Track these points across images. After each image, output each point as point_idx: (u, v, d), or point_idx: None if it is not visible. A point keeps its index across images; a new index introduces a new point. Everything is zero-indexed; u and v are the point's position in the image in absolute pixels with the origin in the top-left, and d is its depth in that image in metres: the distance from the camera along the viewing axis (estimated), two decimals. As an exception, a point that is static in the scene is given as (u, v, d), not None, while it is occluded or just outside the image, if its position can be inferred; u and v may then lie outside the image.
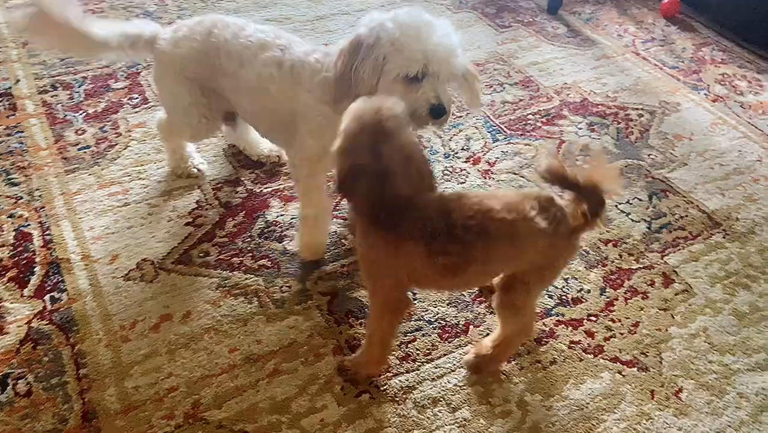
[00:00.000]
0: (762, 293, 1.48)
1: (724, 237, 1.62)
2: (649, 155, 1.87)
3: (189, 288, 1.38)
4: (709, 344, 1.36)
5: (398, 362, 1.28)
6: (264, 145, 1.70)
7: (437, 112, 1.19)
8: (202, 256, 1.46)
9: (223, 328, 1.31)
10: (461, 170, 1.77)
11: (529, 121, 1.98)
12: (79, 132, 1.77)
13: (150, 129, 1.79)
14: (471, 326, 1.36)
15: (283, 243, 1.50)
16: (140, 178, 1.64)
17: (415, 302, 1.39)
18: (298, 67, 1.28)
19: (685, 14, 2.62)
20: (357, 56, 1.17)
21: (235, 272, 1.42)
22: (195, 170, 1.64)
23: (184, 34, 1.37)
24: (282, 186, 1.66)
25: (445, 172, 1.76)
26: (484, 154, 1.83)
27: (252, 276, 1.42)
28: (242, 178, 1.68)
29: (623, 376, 1.29)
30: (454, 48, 1.19)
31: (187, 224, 1.53)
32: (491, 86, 2.12)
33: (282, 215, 1.58)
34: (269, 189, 1.65)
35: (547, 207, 1.05)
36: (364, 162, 0.96)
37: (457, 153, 1.83)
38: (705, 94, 2.15)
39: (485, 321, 1.37)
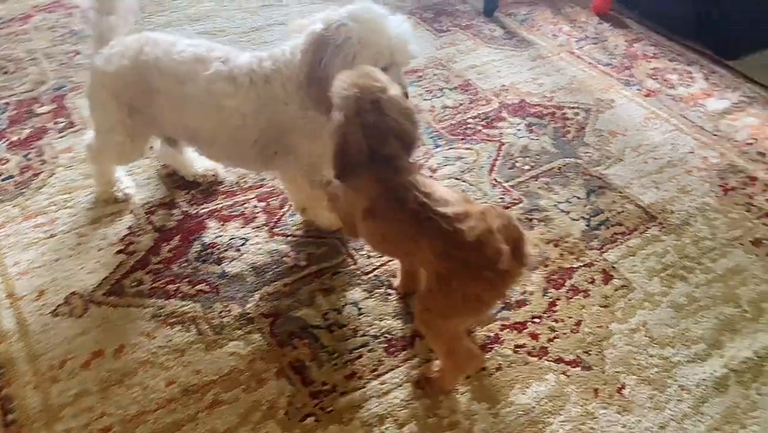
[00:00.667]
0: (698, 284, 1.51)
1: (660, 230, 1.65)
2: (585, 153, 1.90)
3: (121, 321, 1.32)
4: (649, 337, 1.38)
5: (344, 380, 1.26)
6: (199, 164, 1.65)
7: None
8: (135, 285, 1.40)
9: (159, 360, 1.26)
10: (402, 178, 1.75)
11: (469, 125, 1.98)
12: (2, 162, 1.69)
13: (78, 154, 1.72)
14: (417, 339, 1.34)
15: (222, 265, 1.46)
16: (67, 207, 1.57)
17: (360, 317, 1.38)
18: (259, 80, 1.27)
19: (616, 11, 2.69)
20: (323, 55, 1.20)
21: (171, 300, 1.38)
22: (121, 195, 1.58)
23: (117, 50, 1.34)
24: (219, 205, 1.62)
25: (387, 181, 1.74)
26: (427, 161, 1.83)
27: (189, 303, 1.37)
28: (177, 200, 1.63)
29: (567, 376, 1.30)
30: (411, 36, 1.26)
31: (119, 251, 1.48)
32: (431, 91, 2.13)
33: (220, 236, 1.54)
34: (206, 210, 1.61)
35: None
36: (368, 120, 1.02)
37: (398, 161, 1.82)
38: (638, 90, 2.21)
39: (430, 332, 1.36)
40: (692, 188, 1.80)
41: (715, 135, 2.01)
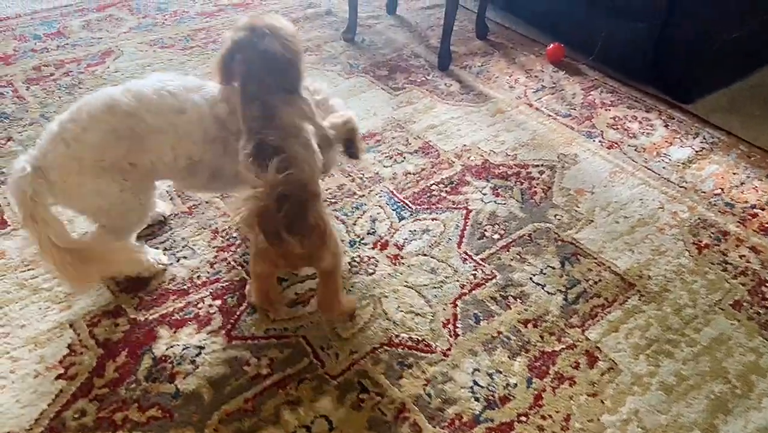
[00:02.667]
0: (685, 359, 1.45)
1: (639, 299, 1.59)
2: (555, 216, 1.84)
3: (62, 466, 1.17)
4: (642, 429, 1.30)
5: None
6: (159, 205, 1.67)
7: None
8: (77, 417, 1.25)
9: None
10: (369, 259, 1.65)
11: (433, 193, 1.90)
12: None
13: (10, 260, 1.56)
14: (395, 453, 1.23)
15: (175, 382, 1.32)
16: (-2, 326, 1.41)
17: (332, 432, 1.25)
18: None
19: (570, 57, 2.68)
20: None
21: (118, 432, 1.22)
22: (156, 265, 1.54)
23: (84, 123, 1.31)
24: (170, 308, 1.48)
25: (353, 263, 1.64)
26: (392, 237, 1.73)
27: (139, 433, 1.22)
28: (123, 306, 1.48)
29: (562, 485, 1.20)
30: None
31: (59, 376, 1.32)
32: (392, 157, 2.04)
33: (172, 346, 1.40)
34: (155, 315, 1.46)
35: None
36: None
37: (363, 239, 1.72)
38: (600, 142, 2.17)
39: None
40: (666, 249, 1.75)
41: (681, 187, 1.98)
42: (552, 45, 2.65)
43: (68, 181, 1.31)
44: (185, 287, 1.54)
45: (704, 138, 2.22)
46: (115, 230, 1.43)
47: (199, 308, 1.49)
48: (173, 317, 1.46)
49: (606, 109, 2.36)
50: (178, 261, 1.60)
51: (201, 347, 1.40)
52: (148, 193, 1.46)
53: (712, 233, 1.81)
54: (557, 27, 2.79)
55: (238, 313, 1.48)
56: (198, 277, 1.57)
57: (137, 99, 1.33)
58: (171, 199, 1.80)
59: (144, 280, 1.53)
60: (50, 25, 2.64)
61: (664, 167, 2.07)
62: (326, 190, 1.87)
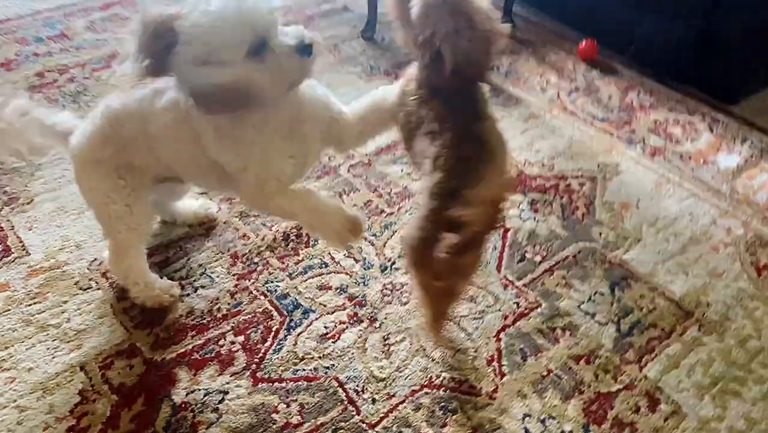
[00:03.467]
0: (754, 399, 1.31)
1: (699, 330, 1.46)
2: (600, 234, 1.70)
3: None
4: (715, 485, 1.17)
5: None
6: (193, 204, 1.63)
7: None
8: (91, 478, 1.13)
9: None
10: (402, 286, 1.52)
11: (466, 209, 1.76)
12: None
13: (15, 292, 1.44)
14: None
15: (198, 434, 1.20)
16: (4, 369, 1.29)
17: None
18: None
19: (603, 55, 2.52)
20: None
21: (137, 495, 1.11)
22: (170, 296, 1.44)
23: (93, 126, 1.26)
24: (189, 346, 1.36)
25: (385, 291, 1.51)
26: (424, 260, 1.60)
27: (160, 497, 1.11)
28: (137, 344, 1.36)
29: None
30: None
31: (70, 429, 1.20)
32: (419, 168, 1.90)
33: (193, 391, 1.27)
34: (173, 354, 1.34)
35: None
36: None
37: (394, 263, 1.58)
38: (642, 149, 2.02)
39: None
40: (723, 270, 1.61)
41: (733, 199, 1.84)
42: (584, 42, 2.49)
43: None
44: (204, 321, 1.41)
45: (752, 143, 2.07)
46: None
47: (221, 346, 1.36)
48: (193, 357, 1.33)
49: (645, 113, 2.21)
50: (195, 291, 1.48)
51: (224, 392, 1.27)
52: None
53: (771, 252, 1.67)
54: (589, 22, 2.62)
55: (263, 350, 1.36)
56: (218, 309, 1.44)
57: None
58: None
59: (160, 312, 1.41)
60: (53, 27, 2.49)
61: (712, 177, 1.92)
62: (352, 206, 1.74)
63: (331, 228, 1.22)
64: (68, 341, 1.35)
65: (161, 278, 1.45)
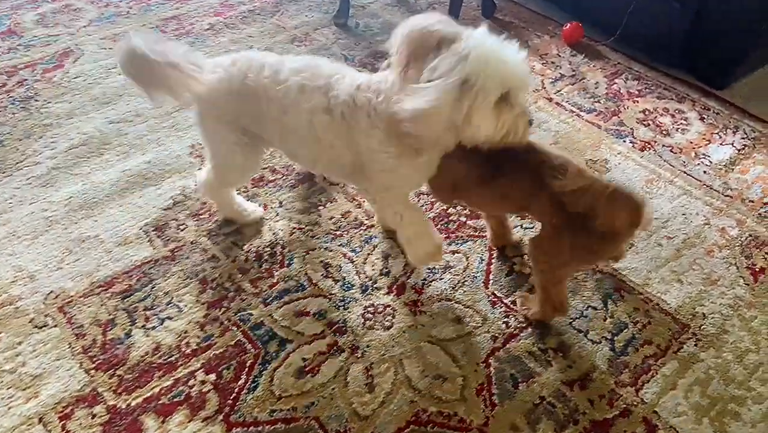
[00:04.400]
0: (753, 421, 1.26)
1: (696, 344, 1.39)
2: (591, 240, 1.61)
3: None
4: None
5: None
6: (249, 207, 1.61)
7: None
8: None
9: None
10: (385, 308, 1.43)
11: (451, 218, 1.67)
12: None
13: (-39, 334, 1.32)
14: None
15: (169, 491, 1.11)
16: (-49, 426, 1.18)
17: None
18: (351, 112, 1.21)
19: (589, 37, 2.40)
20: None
21: None
22: (252, 216, 1.59)
23: (219, 77, 1.29)
24: (156, 388, 1.26)
25: (366, 315, 1.41)
26: (408, 277, 1.51)
27: None
28: (99, 389, 1.25)
29: None
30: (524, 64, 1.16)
31: (27, 492, 1.10)
32: (399, 172, 1.79)
33: (162, 441, 1.18)
34: (139, 399, 1.24)
35: None
36: None
37: (376, 282, 1.49)
38: (631, 142, 1.93)
39: None
40: (718, 276, 1.54)
41: (726, 196, 1.76)
42: (568, 25, 2.37)
43: None
44: (172, 358, 1.31)
45: (745, 132, 1.99)
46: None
47: (191, 387, 1.27)
48: (160, 401, 1.24)
49: (634, 101, 2.11)
50: (162, 324, 1.37)
51: (196, 441, 1.18)
52: None
53: (767, 254, 1.60)
54: (574, 3, 2.50)
55: (236, 389, 1.26)
56: (186, 344, 1.34)
57: None
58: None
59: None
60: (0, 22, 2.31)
61: (704, 171, 1.84)
62: (329, 219, 1.63)
63: (421, 248, 1.37)
64: (24, 388, 1.25)
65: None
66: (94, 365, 1.29)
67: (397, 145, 1.18)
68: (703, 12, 2.06)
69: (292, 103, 1.24)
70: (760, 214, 1.71)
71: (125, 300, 1.41)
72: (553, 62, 2.28)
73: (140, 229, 1.57)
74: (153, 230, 1.57)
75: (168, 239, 1.55)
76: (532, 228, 1.64)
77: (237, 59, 1.30)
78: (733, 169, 1.85)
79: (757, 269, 1.56)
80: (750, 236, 1.65)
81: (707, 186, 1.79)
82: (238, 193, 1.60)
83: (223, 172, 1.46)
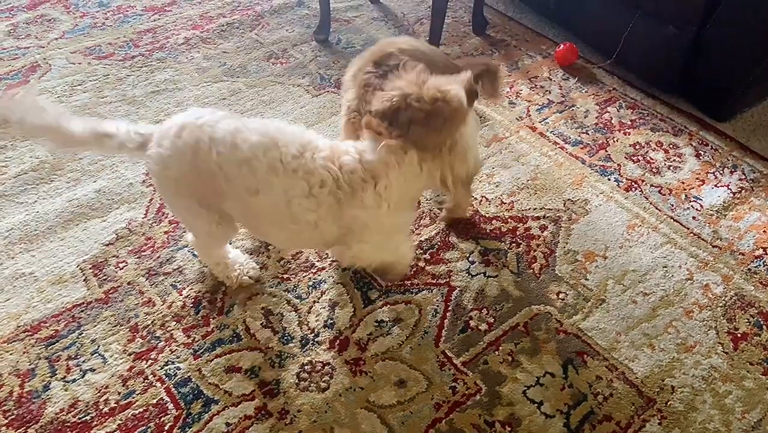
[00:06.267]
0: None
1: (659, 424, 1.26)
2: (558, 295, 1.49)
3: None
4: None
5: None
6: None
7: None
8: None
9: None
10: (323, 366, 1.33)
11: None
12: None
13: None
14: None
15: None
16: None
17: None
18: (337, 188, 1.15)
19: (584, 59, 2.26)
20: None
21: None
22: (247, 277, 1.46)
23: (166, 154, 1.16)
24: (68, 449, 1.18)
25: (302, 375, 1.32)
26: (354, 331, 1.40)
27: None
28: (8, 449, 1.18)
29: None
30: None
31: None
32: (361, 208, 1.68)
33: None
34: (47, 463, 1.16)
35: None
36: None
37: (318, 335, 1.39)
38: (616, 181, 1.79)
39: None
40: (695, 342, 1.40)
41: (714, 247, 1.61)
42: (562, 46, 2.22)
43: None
44: (88, 417, 1.23)
45: (743, 173, 1.83)
46: None
47: (105, 452, 1.19)
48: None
49: (625, 133, 1.96)
50: (83, 376, 1.29)
51: None
52: None
53: (752, 316, 1.46)
54: (570, 21, 2.35)
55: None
56: (105, 401, 1.26)
57: None
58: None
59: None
60: (-30, 31, 2.25)
61: (693, 217, 1.69)
62: (278, 261, 1.53)
63: (396, 272, 1.44)
64: (-72, 446, 1.18)
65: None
66: (6, 421, 1.22)
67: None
68: (703, 37, 1.90)
69: (261, 185, 1.14)
70: (749, 269, 1.56)
71: (49, 347, 1.34)
72: (542, 86, 2.14)
73: (77, 266, 1.49)
74: (90, 268, 1.49)
75: (104, 279, 1.47)
76: (495, 277, 1.52)
77: (182, 129, 1.15)
78: (725, 216, 1.70)
79: (738, 335, 1.42)
80: (735, 294, 1.50)
81: (695, 234, 1.65)
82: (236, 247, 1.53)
83: (198, 236, 1.39)
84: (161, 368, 1.31)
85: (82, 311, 1.41)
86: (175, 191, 1.23)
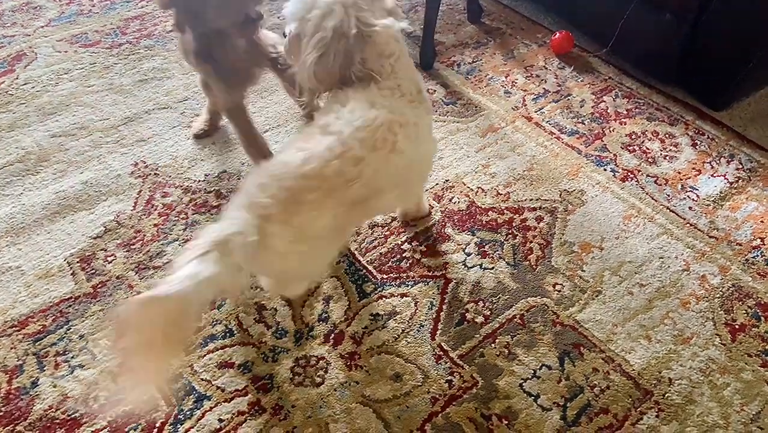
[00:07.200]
0: None
1: (657, 416, 1.25)
2: (554, 286, 1.48)
3: None
4: None
5: None
6: None
7: None
8: None
9: None
10: (318, 360, 1.31)
11: (404, 254, 1.53)
12: None
13: None
14: None
15: None
16: None
17: None
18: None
19: (580, 47, 2.23)
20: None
21: None
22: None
23: None
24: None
25: (296, 369, 1.30)
26: (348, 325, 1.38)
27: None
28: (-5, 447, 1.16)
29: None
30: None
31: None
32: (354, 200, 1.66)
33: None
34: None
35: None
36: None
37: (312, 329, 1.37)
38: (612, 171, 1.77)
39: None
40: (692, 333, 1.39)
41: (711, 237, 1.60)
42: (558, 34, 2.19)
43: None
44: (77, 414, 1.21)
45: (740, 162, 1.82)
46: None
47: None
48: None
49: (621, 122, 1.94)
50: (72, 372, 1.27)
51: None
52: None
53: (750, 307, 1.45)
54: (566, 9, 2.32)
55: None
56: (95, 397, 1.23)
57: None
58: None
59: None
60: (-47, 19, 2.20)
61: (690, 207, 1.68)
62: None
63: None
64: None
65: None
66: (-8, 419, 1.19)
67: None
68: (701, 25, 1.88)
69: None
70: (747, 260, 1.55)
71: (37, 343, 1.31)
72: (538, 75, 2.11)
73: (65, 260, 1.46)
74: (78, 262, 1.46)
75: (93, 273, 1.44)
76: (492, 269, 1.50)
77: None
78: (722, 206, 1.69)
79: (736, 326, 1.41)
80: (733, 285, 1.49)
81: (691, 225, 1.63)
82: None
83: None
84: (152, 364, 1.28)
85: (70, 305, 1.38)
86: None
